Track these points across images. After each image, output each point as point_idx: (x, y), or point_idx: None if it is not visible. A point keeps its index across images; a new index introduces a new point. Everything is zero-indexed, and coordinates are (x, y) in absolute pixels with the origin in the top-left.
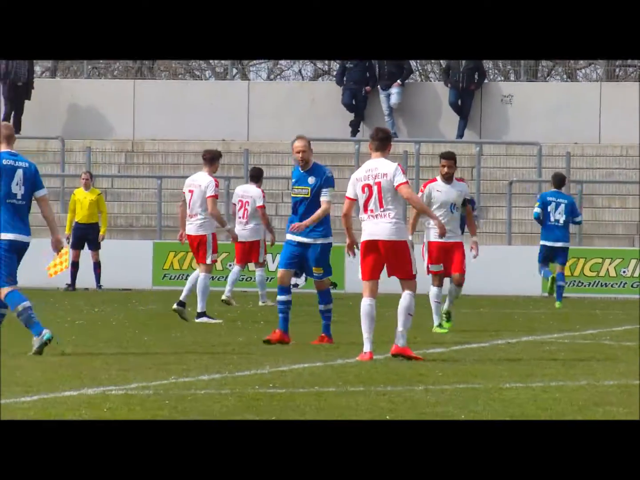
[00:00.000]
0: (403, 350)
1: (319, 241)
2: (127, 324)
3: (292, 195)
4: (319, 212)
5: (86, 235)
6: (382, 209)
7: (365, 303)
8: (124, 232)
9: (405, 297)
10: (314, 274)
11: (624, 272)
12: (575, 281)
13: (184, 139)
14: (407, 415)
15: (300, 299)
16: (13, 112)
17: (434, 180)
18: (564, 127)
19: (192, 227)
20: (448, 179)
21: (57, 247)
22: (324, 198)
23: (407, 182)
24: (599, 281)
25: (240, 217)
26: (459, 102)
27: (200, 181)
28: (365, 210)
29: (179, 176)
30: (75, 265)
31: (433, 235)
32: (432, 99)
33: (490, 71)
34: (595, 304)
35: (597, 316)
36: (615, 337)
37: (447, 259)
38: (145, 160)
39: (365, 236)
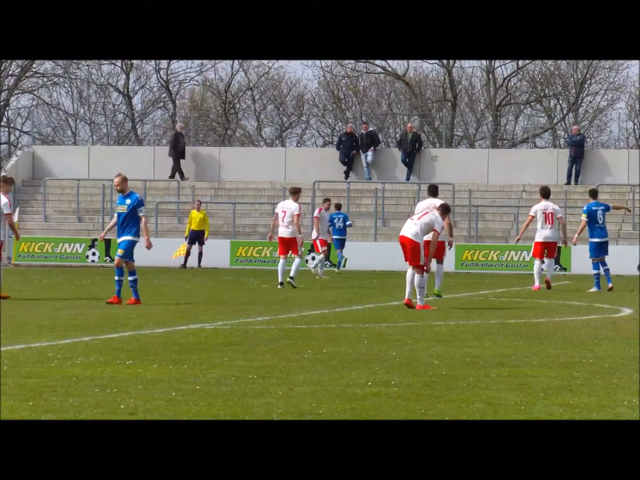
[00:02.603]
0: (424, 306)
1: (128, 237)
2: (215, 287)
3: (117, 211)
4: (144, 226)
5: (197, 237)
6: (419, 221)
7: (408, 273)
8: (213, 234)
9: (416, 277)
10: (117, 254)
11: (502, 257)
12: (474, 263)
13: (247, 180)
14: (376, 340)
15: (308, 275)
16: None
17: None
18: (468, 174)
19: (287, 232)
20: None
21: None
22: (141, 214)
23: (438, 233)
24: (487, 263)
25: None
26: (407, 160)
27: (291, 205)
28: (413, 216)
29: (244, 202)
30: (188, 253)
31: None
32: (391, 158)
33: (425, 142)
34: (485, 276)
35: (486, 283)
36: (497, 295)
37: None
38: (225, 194)
39: (402, 232)
